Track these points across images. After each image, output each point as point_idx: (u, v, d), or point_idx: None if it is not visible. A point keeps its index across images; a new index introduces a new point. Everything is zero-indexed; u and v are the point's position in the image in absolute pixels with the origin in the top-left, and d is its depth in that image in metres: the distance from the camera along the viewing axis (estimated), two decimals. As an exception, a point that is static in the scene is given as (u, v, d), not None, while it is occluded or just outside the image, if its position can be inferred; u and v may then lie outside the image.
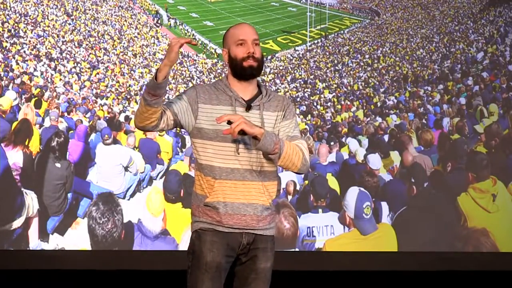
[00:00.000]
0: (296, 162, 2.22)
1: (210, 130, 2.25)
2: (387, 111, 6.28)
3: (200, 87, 2.33)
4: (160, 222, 4.62)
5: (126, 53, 7.27)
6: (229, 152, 2.24)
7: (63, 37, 7.00)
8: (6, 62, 5.97)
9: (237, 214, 2.24)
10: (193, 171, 3.14)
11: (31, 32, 6.74)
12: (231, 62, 2.30)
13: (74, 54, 6.84)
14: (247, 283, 2.28)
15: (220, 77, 2.39)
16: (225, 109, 2.25)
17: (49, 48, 6.72)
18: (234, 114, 2.19)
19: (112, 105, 6.35)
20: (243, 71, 2.26)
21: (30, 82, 5.99)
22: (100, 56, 7.01)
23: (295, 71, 7.36)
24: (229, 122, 2.09)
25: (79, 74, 6.60)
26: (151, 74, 7.02)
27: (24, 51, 6.41)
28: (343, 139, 5.88)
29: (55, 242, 4.99)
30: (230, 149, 2.24)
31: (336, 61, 7.38)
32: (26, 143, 5.05)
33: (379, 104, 6.45)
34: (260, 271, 2.29)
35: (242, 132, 2.10)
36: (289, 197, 5.17)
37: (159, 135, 5.79)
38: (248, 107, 2.27)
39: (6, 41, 6.30)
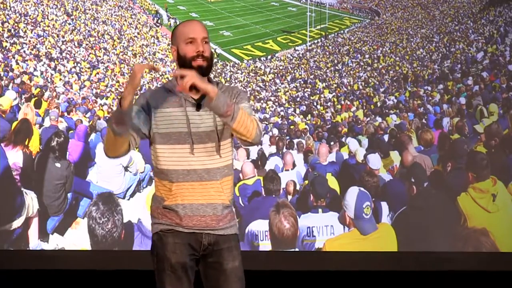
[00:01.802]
0: (251, 129, 2.15)
1: (162, 134, 2.23)
2: (387, 111, 6.28)
3: (149, 92, 2.30)
4: (160, 222, 4.62)
5: (126, 53, 7.27)
6: (184, 154, 2.22)
7: (63, 37, 7.00)
8: (6, 62, 5.97)
9: (197, 216, 2.23)
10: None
11: (31, 32, 6.74)
12: (179, 60, 2.26)
13: (74, 54, 6.84)
14: (218, 285, 2.25)
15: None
16: (175, 111, 2.23)
17: (49, 48, 6.72)
18: (187, 69, 2.13)
19: (112, 105, 6.35)
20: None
21: (30, 82, 5.99)
22: (100, 56, 7.01)
23: (295, 71, 7.36)
24: (182, 77, 2.06)
25: (79, 74, 6.60)
26: (151, 74, 7.02)
27: (24, 51, 6.41)
28: (343, 139, 5.88)
29: (55, 242, 4.99)
30: (184, 151, 2.22)
31: (336, 61, 7.38)
32: (26, 143, 5.05)
33: (379, 104, 6.45)
34: (229, 271, 2.26)
35: (195, 88, 2.05)
36: (289, 197, 5.16)
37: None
38: (198, 106, 2.24)
39: (6, 41, 6.30)
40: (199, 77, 2.07)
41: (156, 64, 1.99)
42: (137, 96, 2.24)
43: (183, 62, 2.24)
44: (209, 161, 2.23)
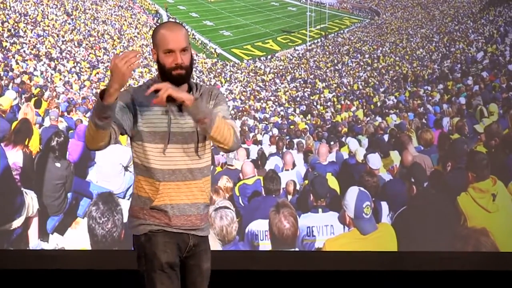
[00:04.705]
0: (228, 138, 2.20)
1: (148, 132, 2.25)
2: (387, 110, 6.28)
3: (134, 89, 2.32)
4: (160, 221, 4.62)
5: (126, 52, 7.27)
6: (169, 153, 2.24)
7: (63, 36, 7.00)
8: (6, 61, 5.97)
9: (183, 215, 2.28)
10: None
11: (31, 32, 6.74)
12: (159, 67, 2.27)
13: (74, 54, 6.84)
14: (196, 285, 2.34)
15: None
16: (160, 110, 2.24)
17: (49, 48, 6.72)
18: (161, 82, 2.17)
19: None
20: (172, 79, 2.22)
21: (30, 81, 5.99)
22: (100, 56, 7.01)
23: (295, 71, 7.36)
24: (157, 91, 2.10)
25: (79, 74, 6.61)
26: (151, 74, 7.02)
27: (24, 51, 6.41)
28: (343, 139, 5.88)
29: (55, 242, 4.99)
30: (170, 150, 2.24)
31: (336, 61, 7.38)
32: (26, 142, 5.04)
33: (379, 103, 6.46)
34: (204, 272, 2.37)
35: (172, 99, 2.10)
36: (289, 197, 5.16)
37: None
38: (181, 107, 2.24)
39: (6, 41, 6.30)
40: (174, 88, 2.10)
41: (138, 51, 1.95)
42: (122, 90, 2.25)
43: (162, 70, 2.26)
44: (193, 161, 2.28)
